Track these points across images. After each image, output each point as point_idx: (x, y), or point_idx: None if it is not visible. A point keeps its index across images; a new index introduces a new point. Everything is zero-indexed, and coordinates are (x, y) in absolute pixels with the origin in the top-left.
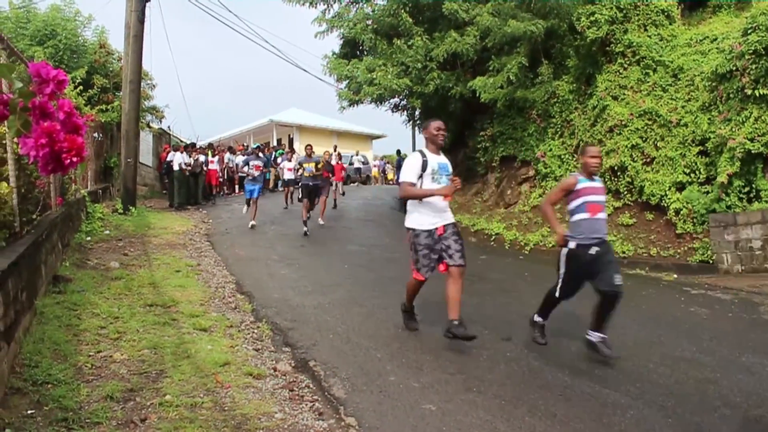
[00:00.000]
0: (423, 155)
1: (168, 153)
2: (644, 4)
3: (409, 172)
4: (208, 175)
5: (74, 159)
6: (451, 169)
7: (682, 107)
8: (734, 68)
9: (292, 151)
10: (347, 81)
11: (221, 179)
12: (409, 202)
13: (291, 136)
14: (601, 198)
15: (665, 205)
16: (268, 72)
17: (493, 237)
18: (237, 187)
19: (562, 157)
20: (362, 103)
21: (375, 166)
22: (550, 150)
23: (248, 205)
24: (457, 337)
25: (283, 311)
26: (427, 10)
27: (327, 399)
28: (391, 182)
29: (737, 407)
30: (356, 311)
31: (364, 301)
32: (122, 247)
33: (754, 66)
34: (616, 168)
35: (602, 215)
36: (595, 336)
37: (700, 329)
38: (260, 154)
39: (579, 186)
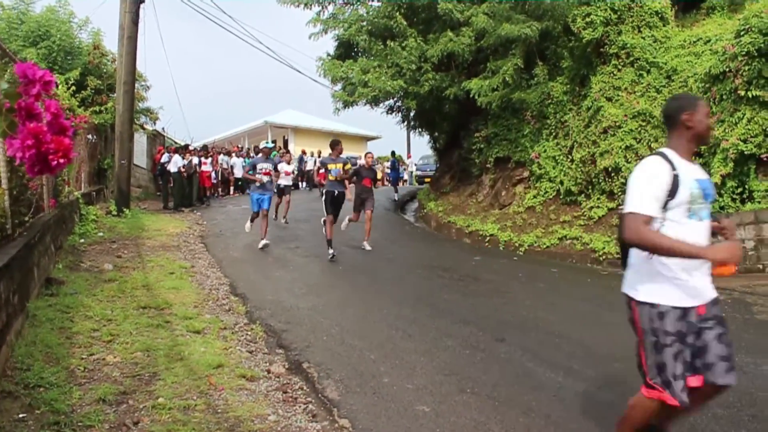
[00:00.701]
0: (670, 163)
1: (162, 154)
2: (638, 5)
3: (643, 194)
4: (201, 177)
5: (61, 160)
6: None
7: None
8: (727, 70)
9: (287, 152)
10: (342, 82)
11: (215, 181)
12: (641, 255)
13: (286, 138)
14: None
15: None
16: (263, 74)
17: (488, 238)
18: (232, 188)
19: (557, 158)
20: (357, 104)
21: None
22: (545, 151)
23: (252, 220)
24: None
25: (277, 313)
26: (421, 12)
27: (321, 401)
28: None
29: (730, 407)
30: (350, 313)
31: (358, 303)
32: (116, 249)
33: (746, 67)
34: (610, 169)
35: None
36: None
37: None
38: (275, 156)
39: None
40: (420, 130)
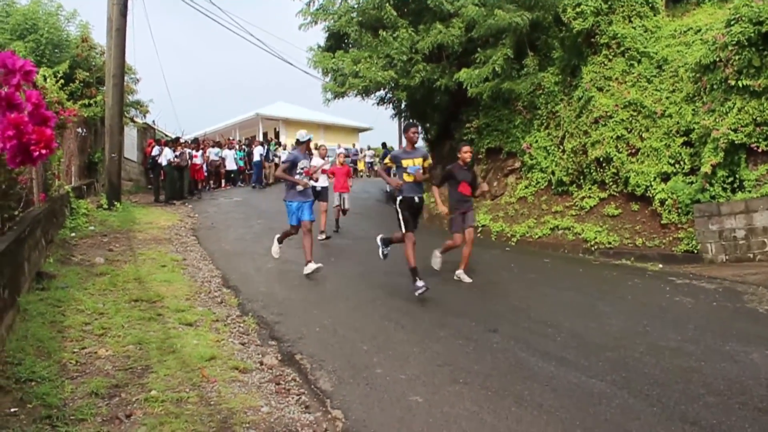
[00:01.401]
0: None
1: (152, 147)
2: None
3: None
4: (193, 170)
5: (43, 151)
6: None
7: (667, 98)
8: (718, 59)
9: (322, 145)
10: (332, 73)
11: (206, 173)
12: None
13: (277, 130)
14: None
15: (650, 195)
16: (254, 66)
17: (480, 228)
18: (223, 181)
19: (548, 148)
20: (347, 95)
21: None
22: (536, 141)
23: (282, 239)
24: None
25: (270, 305)
26: (412, 2)
27: (313, 392)
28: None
29: (721, 395)
30: (343, 304)
31: (351, 294)
32: (107, 242)
33: (737, 57)
34: (601, 159)
35: None
36: None
37: (685, 318)
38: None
39: None
40: (411, 121)
